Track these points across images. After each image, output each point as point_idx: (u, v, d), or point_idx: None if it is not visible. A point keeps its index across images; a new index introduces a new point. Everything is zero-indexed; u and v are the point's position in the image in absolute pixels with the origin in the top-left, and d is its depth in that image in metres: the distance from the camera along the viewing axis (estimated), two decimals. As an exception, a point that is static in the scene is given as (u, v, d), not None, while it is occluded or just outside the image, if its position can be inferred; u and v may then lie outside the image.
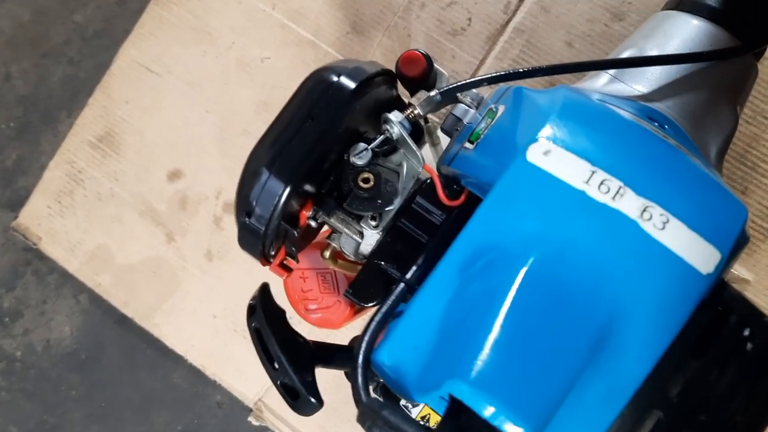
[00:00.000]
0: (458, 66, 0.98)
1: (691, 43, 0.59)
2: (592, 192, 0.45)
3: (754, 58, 0.62)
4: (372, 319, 0.51)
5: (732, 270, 0.92)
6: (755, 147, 0.91)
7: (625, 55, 0.61)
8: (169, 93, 1.04)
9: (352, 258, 0.61)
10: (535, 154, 0.46)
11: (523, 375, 0.42)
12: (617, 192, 0.45)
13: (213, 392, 1.05)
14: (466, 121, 0.59)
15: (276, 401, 0.99)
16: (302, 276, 0.70)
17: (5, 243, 1.14)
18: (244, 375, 1.00)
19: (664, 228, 0.45)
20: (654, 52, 0.60)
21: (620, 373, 0.45)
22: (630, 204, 0.45)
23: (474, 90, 0.60)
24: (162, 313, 1.02)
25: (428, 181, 0.57)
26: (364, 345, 0.49)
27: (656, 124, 0.55)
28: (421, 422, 0.63)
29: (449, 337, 0.45)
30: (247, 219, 0.53)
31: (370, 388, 0.67)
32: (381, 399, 0.60)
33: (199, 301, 1.02)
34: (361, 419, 0.45)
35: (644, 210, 0.45)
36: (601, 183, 0.45)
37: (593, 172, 0.46)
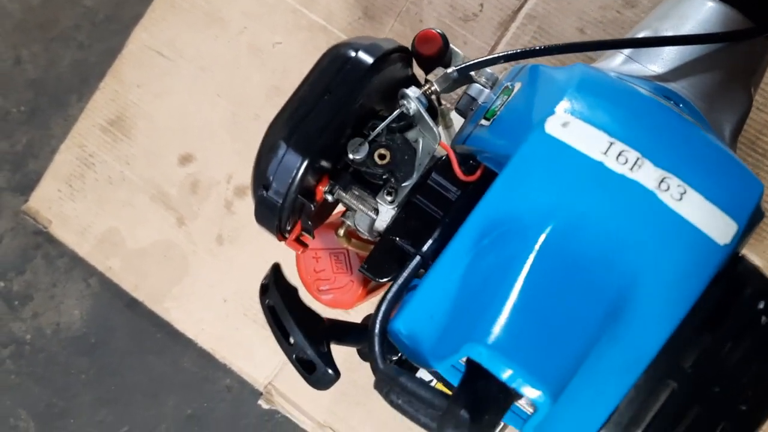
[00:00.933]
0: (470, 52, 0.98)
1: (706, 24, 0.60)
2: (611, 163, 0.46)
3: (768, 39, 0.62)
4: (388, 291, 0.51)
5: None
6: (766, 134, 0.91)
7: (641, 36, 0.62)
8: (181, 77, 1.04)
9: (366, 236, 0.61)
10: (553, 126, 0.47)
11: (540, 340, 0.42)
12: (635, 163, 0.46)
13: (223, 376, 1.05)
14: (480, 100, 0.60)
15: (286, 385, 0.99)
16: (315, 256, 0.71)
17: (15, 227, 1.14)
18: (254, 359, 1.00)
19: (681, 199, 0.45)
20: (669, 33, 0.60)
21: (636, 342, 0.45)
22: (648, 175, 0.45)
23: (488, 70, 0.60)
24: (172, 296, 1.03)
25: (444, 157, 0.57)
26: (380, 315, 0.50)
27: (672, 102, 0.55)
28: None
29: (465, 305, 0.45)
30: (264, 192, 0.54)
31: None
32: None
33: (209, 285, 1.02)
34: (379, 386, 0.46)
35: (662, 181, 0.45)
36: (620, 154, 0.46)
37: (611, 144, 0.46)
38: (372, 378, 0.47)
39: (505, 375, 0.41)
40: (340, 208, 0.63)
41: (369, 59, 0.53)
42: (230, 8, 1.04)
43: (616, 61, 0.60)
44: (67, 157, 1.07)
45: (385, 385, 0.45)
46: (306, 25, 1.02)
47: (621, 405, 0.46)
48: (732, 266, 0.47)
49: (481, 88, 0.60)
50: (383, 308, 0.50)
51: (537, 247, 0.45)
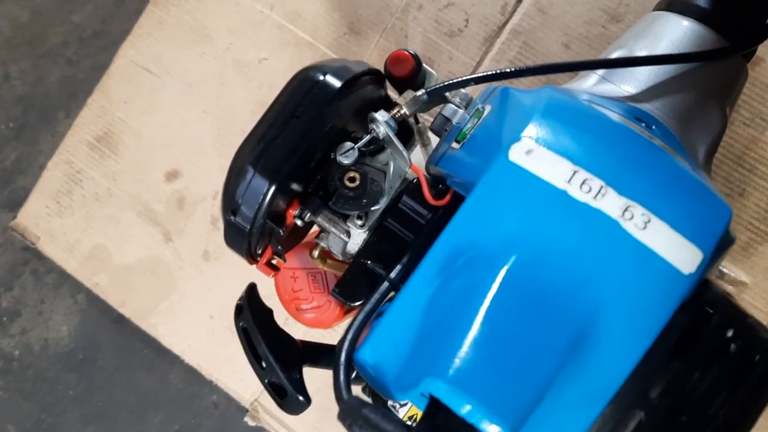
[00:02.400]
0: (455, 67, 0.98)
1: (680, 44, 0.59)
2: (574, 191, 0.45)
3: (744, 60, 0.61)
4: (355, 318, 0.51)
5: (729, 273, 0.91)
6: (753, 149, 0.91)
7: (615, 55, 0.61)
8: (168, 94, 1.05)
9: (340, 258, 0.61)
10: (517, 154, 0.46)
11: (500, 373, 0.41)
12: (599, 191, 0.45)
13: (209, 392, 1.05)
14: (455, 121, 0.60)
15: (271, 402, 0.99)
16: (293, 276, 0.71)
17: (4, 243, 1.14)
18: (240, 375, 1.00)
19: (645, 227, 0.45)
20: (643, 53, 0.60)
21: (600, 373, 0.44)
22: (611, 203, 0.45)
23: (463, 90, 0.60)
24: (159, 313, 1.02)
25: (415, 180, 0.57)
26: (346, 344, 0.49)
27: (643, 124, 0.54)
28: (408, 422, 0.63)
29: (428, 335, 0.45)
30: (233, 217, 0.53)
31: (359, 388, 0.67)
32: (368, 399, 0.60)
33: (196, 302, 1.02)
34: (342, 417, 0.46)
35: (626, 209, 0.45)
36: (583, 182, 0.45)
37: (575, 172, 0.46)
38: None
39: (464, 410, 0.41)
40: (315, 229, 0.62)
41: (337, 83, 0.53)
42: (217, 25, 1.04)
43: (589, 82, 0.60)
44: (55, 174, 1.07)
45: (348, 417, 0.45)
46: (292, 41, 1.02)
47: (588, 435, 0.46)
48: (699, 294, 0.47)
49: (456, 108, 0.60)
50: (349, 336, 0.50)
51: (499, 277, 0.44)
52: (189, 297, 1.02)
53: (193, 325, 1.01)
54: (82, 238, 1.05)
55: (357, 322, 0.50)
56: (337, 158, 0.54)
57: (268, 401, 0.99)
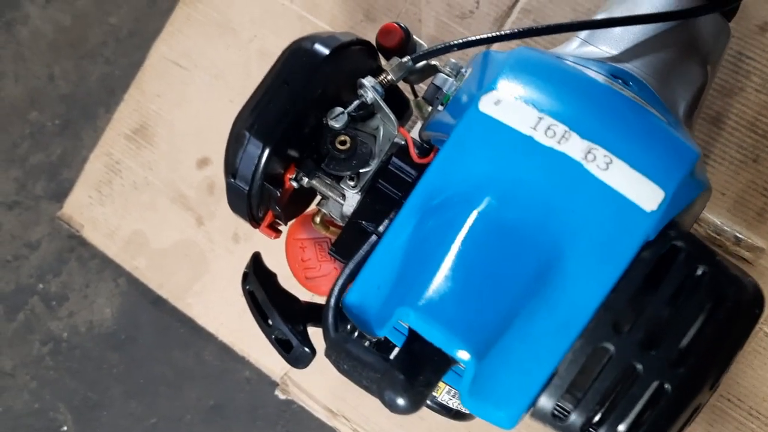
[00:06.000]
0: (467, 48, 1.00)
1: (659, 4, 0.61)
2: (539, 137, 0.48)
3: (725, 18, 0.63)
4: (345, 266, 0.54)
5: (746, 239, 0.91)
6: (765, 115, 0.91)
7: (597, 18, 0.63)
8: (197, 86, 1.10)
9: (339, 222, 0.65)
10: (486, 104, 0.50)
11: (466, 302, 0.45)
12: (562, 136, 0.48)
13: (242, 368, 1.10)
14: (445, 89, 0.63)
15: (300, 375, 1.03)
16: (301, 246, 0.74)
17: (51, 232, 1.22)
18: (270, 351, 1.03)
19: (607, 168, 0.47)
20: (624, 15, 0.62)
21: (568, 306, 0.47)
22: (574, 147, 0.48)
23: (452, 60, 0.63)
24: (193, 293, 1.08)
25: (404, 143, 0.60)
26: (336, 289, 0.53)
27: (620, 81, 0.57)
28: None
29: (404, 272, 0.48)
30: (232, 179, 0.58)
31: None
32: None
33: (227, 281, 1.07)
34: (328, 353, 0.49)
35: (588, 152, 0.47)
36: (548, 128, 0.48)
37: (540, 119, 0.48)
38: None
39: (431, 335, 0.44)
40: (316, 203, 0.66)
41: (325, 50, 0.57)
42: (241, 18, 1.09)
43: (572, 46, 0.62)
44: (96, 165, 1.14)
45: (333, 352, 0.49)
46: (311, 29, 1.06)
47: (560, 368, 0.48)
48: (667, 232, 0.49)
49: (446, 77, 0.63)
50: (339, 283, 0.53)
51: (471, 217, 0.47)
52: (221, 277, 1.07)
53: (225, 303, 1.06)
54: (122, 224, 1.11)
55: (346, 270, 0.54)
56: (328, 122, 0.58)
57: (296, 375, 1.03)
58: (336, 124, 0.58)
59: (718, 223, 0.90)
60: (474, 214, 0.47)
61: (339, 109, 0.58)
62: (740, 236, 0.91)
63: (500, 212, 0.47)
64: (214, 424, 1.12)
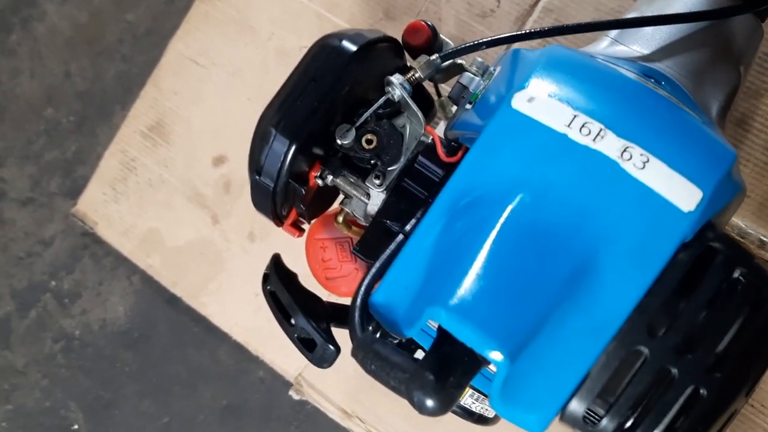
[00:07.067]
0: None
1: (692, 4, 0.60)
2: (574, 135, 0.47)
3: (758, 18, 0.62)
4: (372, 266, 0.53)
5: (760, 235, 0.90)
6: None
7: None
8: (214, 83, 1.10)
9: (362, 221, 0.64)
10: (519, 102, 0.49)
11: (499, 302, 0.44)
12: (598, 134, 0.47)
13: (256, 368, 1.09)
14: (471, 88, 0.62)
15: (315, 376, 1.02)
16: (322, 246, 0.74)
17: (65, 229, 1.22)
18: (285, 351, 1.03)
19: (644, 167, 0.46)
20: (655, 14, 0.61)
21: (602, 308, 0.46)
22: (610, 145, 0.47)
23: (479, 59, 0.62)
24: (208, 292, 1.07)
25: (431, 141, 0.59)
26: (363, 288, 0.52)
27: (652, 80, 0.56)
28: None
29: (434, 273, 0.47)
30: (258, 177, 0.57)
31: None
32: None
33: (242, 280, 1.06)
34: (355, 353, 0.48)
35: (624, 150, 0.46)
36: (583, 126, 0.47)
37: (575, 116, 0.47)
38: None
39: (464, 336, 0.43)
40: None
41: (353, 47, 0.56)
42: (259, 16, 1.09)
43: (602, 45, 0.61)
44: (111, 162, 1.13)
45: (360, 352, 0.48)
46: (330, 28, 1.05)
47: (593, 372, 0.47)
48: (704, 234, 0.48)
49: (472, 76, 0.62)
50: (365, 282, 0.52)
51: (503, 215, 0.47)
52: (236, 276, 1.06)
53: (240, 303, 1.06)
54: (137, 222, 1.11)
55: (373, 270, 0.53)
56: (336, 139, 0.57)
57: (311, 375, 1.02)
58: (344, 141, 0.57)
59: (743, 225, 0.89)
60: (507, 213, 0.46)
61: (346, 126, 0.57)
62: (765, 239, 0.90)
63: (534, 211, 0.46)
64: (227, 424, 1.11)
